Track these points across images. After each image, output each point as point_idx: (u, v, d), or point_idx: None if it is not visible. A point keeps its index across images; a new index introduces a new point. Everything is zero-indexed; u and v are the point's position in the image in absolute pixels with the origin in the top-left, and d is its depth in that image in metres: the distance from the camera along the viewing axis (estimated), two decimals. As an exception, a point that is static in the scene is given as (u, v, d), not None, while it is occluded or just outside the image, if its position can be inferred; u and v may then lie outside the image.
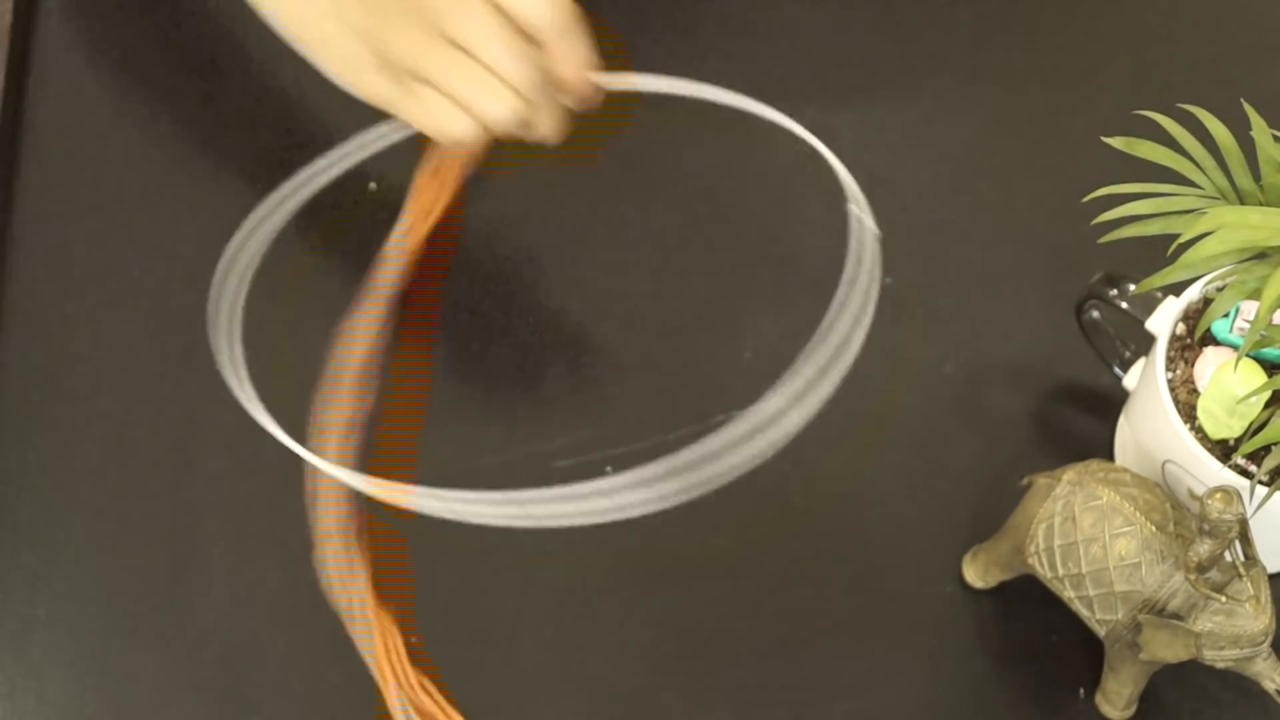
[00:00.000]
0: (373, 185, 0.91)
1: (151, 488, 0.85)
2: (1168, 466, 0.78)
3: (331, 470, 0.80)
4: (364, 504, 0.81)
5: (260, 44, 0.95)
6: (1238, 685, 0.80)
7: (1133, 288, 0.79)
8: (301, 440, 0.81)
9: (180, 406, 0.87)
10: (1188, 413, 0.77)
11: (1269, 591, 0.73)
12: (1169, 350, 0.78)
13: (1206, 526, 0.71)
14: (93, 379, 0.87)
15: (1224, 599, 0.72)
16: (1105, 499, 0.75)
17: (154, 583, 0.83)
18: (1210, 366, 0.76)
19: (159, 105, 0.94)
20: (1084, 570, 0.75)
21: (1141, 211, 0.73)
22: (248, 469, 0.85)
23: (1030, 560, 0.78)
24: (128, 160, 0.93)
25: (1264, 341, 0.74)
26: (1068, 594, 0.77)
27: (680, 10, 0.98)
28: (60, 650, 0.82)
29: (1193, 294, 0.79)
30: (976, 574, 0.83)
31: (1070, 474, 0.77)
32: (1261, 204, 0.72)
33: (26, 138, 0.93)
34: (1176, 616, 0.73)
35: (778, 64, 0.97)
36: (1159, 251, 0.73)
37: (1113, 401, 0.85)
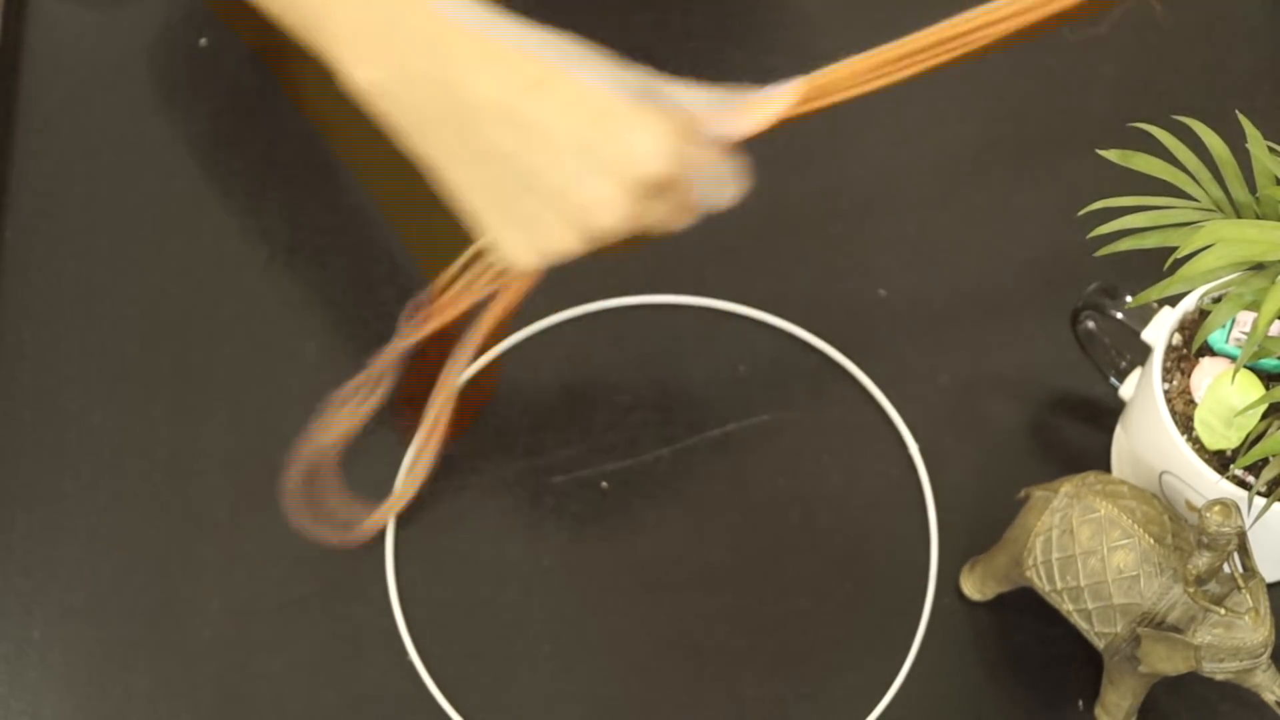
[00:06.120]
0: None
1: (144, 507, 0.85)
2: (1165, 478, 0.78)
3: None
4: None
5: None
6: (1237, 697, 0.80)
7: (1129, 298, 0.79)
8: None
9: (172, 425, 0.87)
10: (1184, 424, 0.76)
11: (1268, 603, 0.73)
12: (1165, 361, 0.78)
13: (1205, 539, 0.70)
14: (84, 398, 0.87)
15: (1223, 611, 0.72)
16: (1103, 511, 0.75)
17: (148, 603, 0.83)
18: (1207, 377, 0.76)
19: (156, 117, 0.94)
20: (1082, 583, 0.75)
21: (1137, 225, 0.72)
22: (241, 487, 0.85)
23: (1028, 573, 0.77)
24: (121, 179, 0.92)
25: (1261, 353, 0.74)
26: (1066, 607, 0.77)
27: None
28: (54, 672, 0.82)
29: (1189, 305, 0.79)
30: (974, 586, 0.83)
31: (1068, 486, 0.76)
32: (1257, 216, 0.72)
33: (21, 142, 0.93)
34: (1175, 629, 0.73)
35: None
36: (1155, 261, 0.72)
37: (1109, 412, 0.85)
